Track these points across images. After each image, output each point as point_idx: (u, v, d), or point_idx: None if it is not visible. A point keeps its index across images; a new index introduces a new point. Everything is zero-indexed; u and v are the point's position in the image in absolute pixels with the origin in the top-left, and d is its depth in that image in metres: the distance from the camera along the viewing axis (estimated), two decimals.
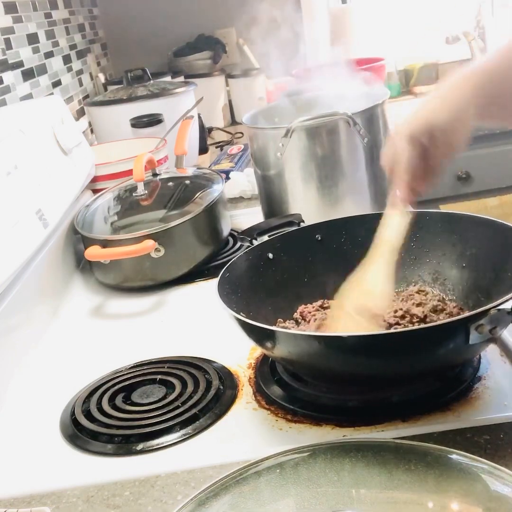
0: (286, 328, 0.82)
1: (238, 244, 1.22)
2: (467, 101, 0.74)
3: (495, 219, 0.78)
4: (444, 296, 0.84)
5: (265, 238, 0.89)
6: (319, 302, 0.86)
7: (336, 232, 0.89)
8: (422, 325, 0.74)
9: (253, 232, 0.91)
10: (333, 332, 0.74)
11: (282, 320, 0.84)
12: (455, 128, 0.74)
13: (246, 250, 0.88)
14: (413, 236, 0.85)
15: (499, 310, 0.60)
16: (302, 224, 0.92)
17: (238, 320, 0.70)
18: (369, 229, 0.85)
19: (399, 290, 0.87)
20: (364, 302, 0.74)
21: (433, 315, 0.79)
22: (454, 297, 0.83)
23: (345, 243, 0.89)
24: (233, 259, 0.84)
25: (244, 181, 1.51)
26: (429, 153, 0.74)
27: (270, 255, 0.87)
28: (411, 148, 0.74)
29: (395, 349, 0.64)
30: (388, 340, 0.64)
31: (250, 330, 0.72)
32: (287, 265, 0.88)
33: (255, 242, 0.89)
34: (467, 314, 0.65)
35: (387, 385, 0.72)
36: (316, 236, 0.89)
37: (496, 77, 0.76)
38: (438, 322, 0.73)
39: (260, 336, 0.71)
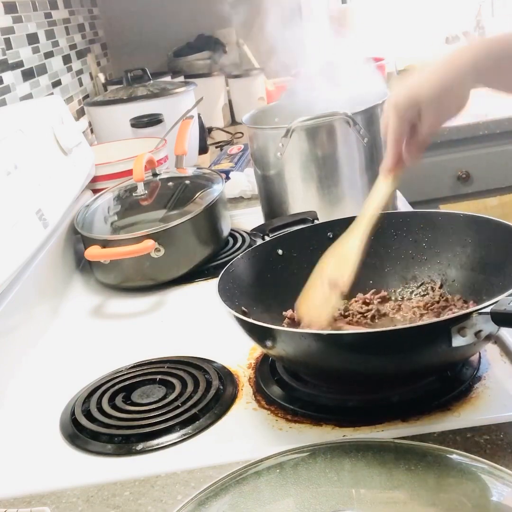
0: (291, 324, 0.82)
1: (238, 244, 1.22)
2: (465, 67, 0.76)
3: (508, 222, 0.78)
4: (450, 297, 0.84)
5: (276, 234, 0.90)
6: None
7: None
8: (403, 326, 0.75)
9: (266, 228, 0.91)
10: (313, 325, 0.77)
11: (289, 316, 0.84)
12: (442, 99, 0.75)
13: (254, 246, 0.88)
14: (425, 236, 0.86)
15: (480, 313, 0.60)
16: (316, 222, 0.92)
17: (237, 318, 0.71)
18: (382, 228, 0.87)
19: (407, 289, 0.88)
20: (332, 273, 0.79)
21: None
22: (463, 299, 0.83)
23: None
24: (239, 255, 0.85)
25: (244, 181, 1.51)
26: (416, 124, 0.77)
27: (280, 252, 0.88)
28: (397, 119, 0.77)
29: (381, 348, 0.65)
30: (372, 338, 0.65)
31: (249, 329, 0.72)
32: (297, 261, 0.88)
33: (267, 239, 0.89)
34: (447, 316, 0.65)
35: (384, 384, 0.72)
36: (328, 233, 0.90)
37: (500, 41, 0.78)
38: (419, 323, 0.74)
39: (259, 334, 0.72)
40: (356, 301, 0.87)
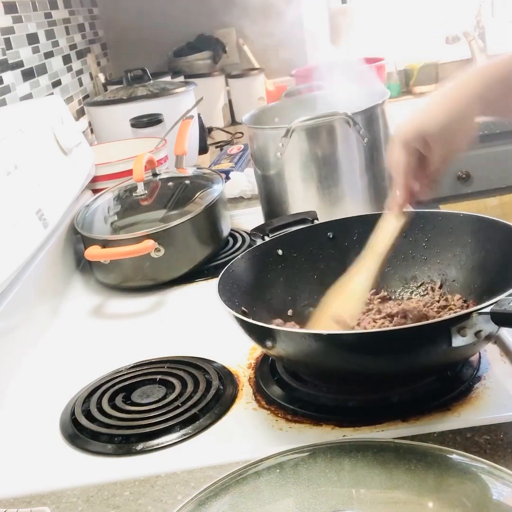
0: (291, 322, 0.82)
1: (238, 244, 1.22)
2: (473, 97, 0.74)
3: (508, 222, 0.78)
4: (449, 296, 0.84)
5: (276, 234, 0.90)
6: None
7: (348, 231, 0.90)
8: (403, 326, 0.75)
9: (266, 228, 0.91)
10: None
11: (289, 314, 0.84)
12: (451, 131, 0.74)
13: (254, 246, 0.88)
14: (425, 237, 0.86)
15: (480, 313, 0.60)
16: (316, 222, 0.93)
17: (237, 318, 0.71)
18: None
19: (407, 289, 0.88)
20: (338, 309, 0.77)
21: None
22: (462, 299, 0.83)
23: (357, 242, 0.89)
24: (239, 255, 0.85)
25: (244, 181, 1.51)
26: (425, 158, 0.75)
27: (280, 252, 0.88)
28: (406, 153, 0.75)
29: (381, 348, 0.65)
30: (371, 338, 0.65)
31: (249, 329, 0.72)
32: (297, 261, 0.88)
33: (267, 239, 0.89)
34: (447, 316, 0.65)
35: (384, 384, 0.72)
36: (328, 234, 0.90)
37: (505, 69, 0.76)
38: (419, 323, 0.73)
39: (258, 334, 0.72)
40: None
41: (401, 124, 0.77)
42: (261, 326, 0.69)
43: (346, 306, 0.78)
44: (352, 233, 0.90)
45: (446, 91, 0.77)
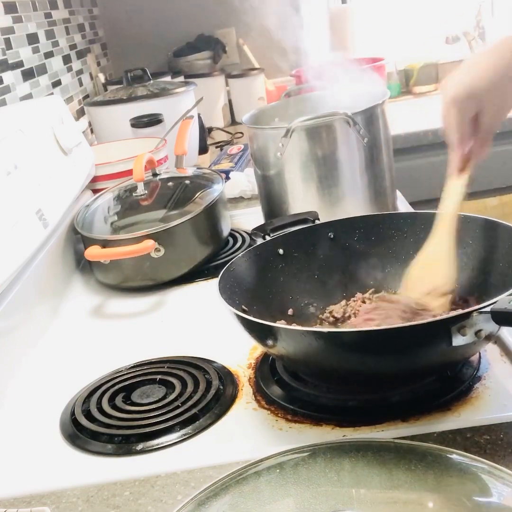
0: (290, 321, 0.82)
1: (238, 244, 1.22)
2: None
3: (508, 223, 0.78)
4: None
5: (276, 234, 0.90)
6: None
7: (349, 231, 0.90)
8: (404, 324, 0.75)
9: (267, 228, 0.91)
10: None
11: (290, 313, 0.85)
12: (502, 87, 0.73)
13: (255, 245, 0.88)
14: (426, 237, 0.86)
15: (480, 313, 0.60)
16: (317, 222, 0.93)
17: (238, 316, 0.71)
18: (383, 228, 0.86)
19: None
20: (431, 281, 0.76)
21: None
22: (463, 298, 0.83)
23: (358, 242, 0.90)
24: (240, 254, 0.85)
25: (244, 181, 1.51)
26: (477, 115, 0.74)
27: (281, 251, 0.88)
28: (459, 114, 0.74)
29: (381, 346, 0.65)
30: (372, 337, 0.65)
31: (249, 327, 0.72)
32: (298, 261, 0.89)
33: (268, 239, 0.89)
34: (447, 315, 0.65)
35: (384, 384, 0.72)
36: (329, 233, 0.90)
37: None
38: (419, 322, 0.73)
39: (259, 332, 0.72)
40: (354, 301, 0.87)
41: (450, 84, 0.75)
42: (262, 324, 0.69)
43: (439, 274, 0.76)
44: (353, 233, 0.90)
45: (490, 49, 0.75)
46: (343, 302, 0.87)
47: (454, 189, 0.79)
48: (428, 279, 0.77)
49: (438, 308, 0.76)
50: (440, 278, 0.76)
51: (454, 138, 0.75)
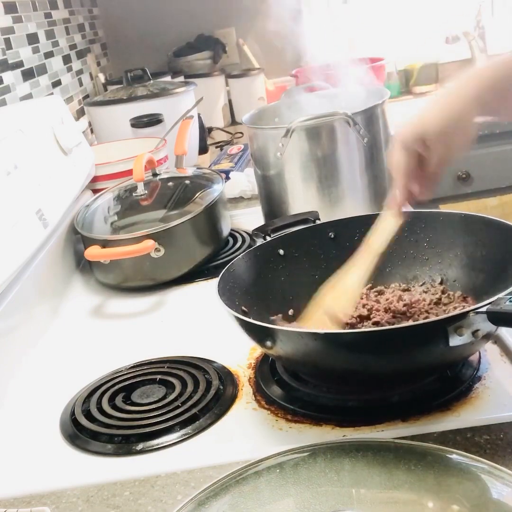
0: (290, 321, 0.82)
1: (238, 244, 1.22)
2: (470, 99, 0.74)
3: (508, 222, 0.78)
4: (451, 293, 0.84)
5: (277, 234, 0.90)
6: None
7: (349, 230, 0.90)
8: (399, 325, 0.75)
9: (267, 228, 0.91)
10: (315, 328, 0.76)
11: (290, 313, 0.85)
12: (449, 133, 0.74)
13: (255, 246, 0.88)
14: (426, 237, 0.86)
15: (477, 313, 0.60)
16: (318, 222, 0.93)
17: (236, 317, 0.71)
18: None
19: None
20: (331, 305, 0.78)
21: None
22: (463, 296, 0.83)
23: (358, 242, 0.89)
24: (240, 255, 0.85)
25: (244, 181, 1.51)
26: (425, 159, 0.76)
27: (281, 252, 0.88)
28: (405, 154, 0.76)
29: (378, 347, 0.65)
30: (368, 337, 0.65)
31: (247, 328, 0.72)
32: (298, 261, 0.89)
33: (268, 239, 0.89)
34: (444, 315, 0.65)
35: (383, 384, 0.72)
36: (329, 234, 0.90)
37: (503, 70, 0.76)
38: (416, 322, 0.74)
39: (257, 334, 0.72)
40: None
41: (401, 126, 0.77)
42: (259, 325, 0.69)
43: (339, 302, 0.79)
44: (354, 233, 0.90)
45: (444, 93, 0.77)
46: None
47: (387, 225, 0.80)
48: (330, 301, 0.79)
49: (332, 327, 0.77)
50: (340, 306, 0.78)
51: (397, 177, 0.77)
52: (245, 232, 1.27)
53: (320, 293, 0.81)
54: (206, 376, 0.81)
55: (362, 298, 0.86)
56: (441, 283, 0.86)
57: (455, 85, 0.77)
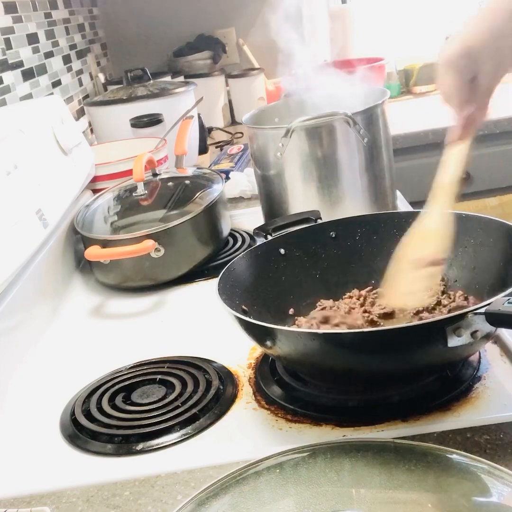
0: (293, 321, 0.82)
1: (238, 244, 1.22)
2: (507, 11, 0.71)
3: (508, 222, 0.78)
4: (451, 293, 0.84)
5: (278, 234, 0.90)
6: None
7: (351, 230, 0.90)
8: (397, 325, 0.75)
9: (268, 227, 0.91)
10: (332, 329, 0.76)
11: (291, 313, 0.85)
12: (498, 45, 0.71)
13: (256, 245, 0.88)
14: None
15: (475, 314, 0.60)
16: (319, 221, 0.93)
17: (235, 317, 0.71)
18: (385, 228, 0.87)
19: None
20: (423, 251, 0.74)
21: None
22: (464, 295, 0.83)
23: (359, 241, 0.90)
24: (240, 254, 0.85)
25: (244, 181, 1.50)
26: (475, 75, 0.72)
27: (282, 251, 0.88)
28: (457, 76, 0.72)
29: (376, 347, 0.65)
30: (366, 337, 0.65)
31: (247, 328, 0.72)
32: (299, 261, 0.89)
33: (269, 238, 0.89)
34: (442, 316, 0.65)
35: (382, 384, 0.72)
36: (331, 233, 0.90)
37: None
38: (414, 323, 0.73)
39: (257, 333, 0.72)
40: (350, 297, 0.87)
41: (445, 47, 0.73)
42: (259, 325, 0.69)
43: (432, 245, 0.75)
44: (355, 233, 0.90)
45: (482, 10, 0.73)
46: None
47: (454, 156, 0.76)
48: (421, 249, 0.75)
49: (428, 278, 0.74)
50: (433, 247, 0.74)
51: (453, 102, 0.73)
52: (245, 232, 1.27)
53: (401, 250, 0.76)
54: (206, 376, 0.81)
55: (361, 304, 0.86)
56: (441, 283, 0.86)
57: (488, 1, 0.73)
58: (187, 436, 0.72)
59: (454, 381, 0.72)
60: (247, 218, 1.33)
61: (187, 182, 1.28)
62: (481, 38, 0.71)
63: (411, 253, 0.76)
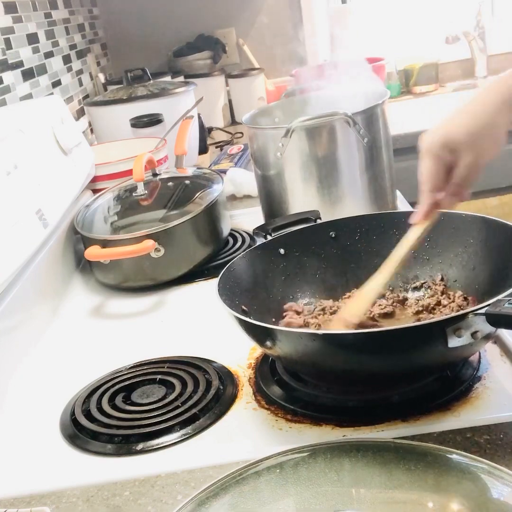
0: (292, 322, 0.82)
1: (238, 244, 1.22)
2: (499, 103, 0.73)
3: (509, 222, 0.78)
4: (451, 293, 0.84)
5: (278, 234, 0.90)
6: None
7: (350, 230, 0.90)
8: (398, 326, 0.75)
9: (268, 227, 0.91)
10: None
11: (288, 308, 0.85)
12: (479, 138, 0.73)
13: (255, 245, 0.88)
14: (427, 236, 0.86)
15: (476, 314, 0.60)
16: (319, 221, 0.93)
17: (236, 317, 0.71)
18: (385, 228, 0.87)
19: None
20: (346, 310, 0.80)
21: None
22: (463, 296, 0.83)
23: (359, 241, 0.90)
24: (240, 254, 0.85)
25: (244, 181, 1.50)
26: (453, 166, 0.74)
27: (282, 251, 0.88)
28: (434, 162, 0.74)
29: (376, 347, 0.65)
30: (366, 338, 0.65)
31: (247, 328, 0.72)
32: (299, 261, 0.89)
33: (269, 238, 0.89)
34: (442, 317, 0.65)
35: (382, 384, 0.72)
36: (330, 233, 0.90)
37: None
38: (414, 324, 0.74)
39: (256, 334, 0.72)
40: (350, 297, 0.87)
41: (427, 134, 0.76)
42: (259, 325, 0.69)
43: (353, 307, 0.79)
44: (354, 233, 0.90)
45: (469, 101, 0.76)
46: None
47: (413, 232, 0.79)
48: (347, 307, 0.81)
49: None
50: (352, 310, 0.79)
51: (425, 187, 0.76)
52: (245, 232, 1.27)
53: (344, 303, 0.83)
54: (206, 376, 0.81)
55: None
56: (441, 282, 0.86)
57: (479, 92, 0.76)
58: (187, 436, 0.72)
59: (454, 381, 0.72)
60: (247, 218, 1.33)
61: (187, 182, 1.28)
62: (464, 129, 0.73)
63: (345, 306, 0.82)
